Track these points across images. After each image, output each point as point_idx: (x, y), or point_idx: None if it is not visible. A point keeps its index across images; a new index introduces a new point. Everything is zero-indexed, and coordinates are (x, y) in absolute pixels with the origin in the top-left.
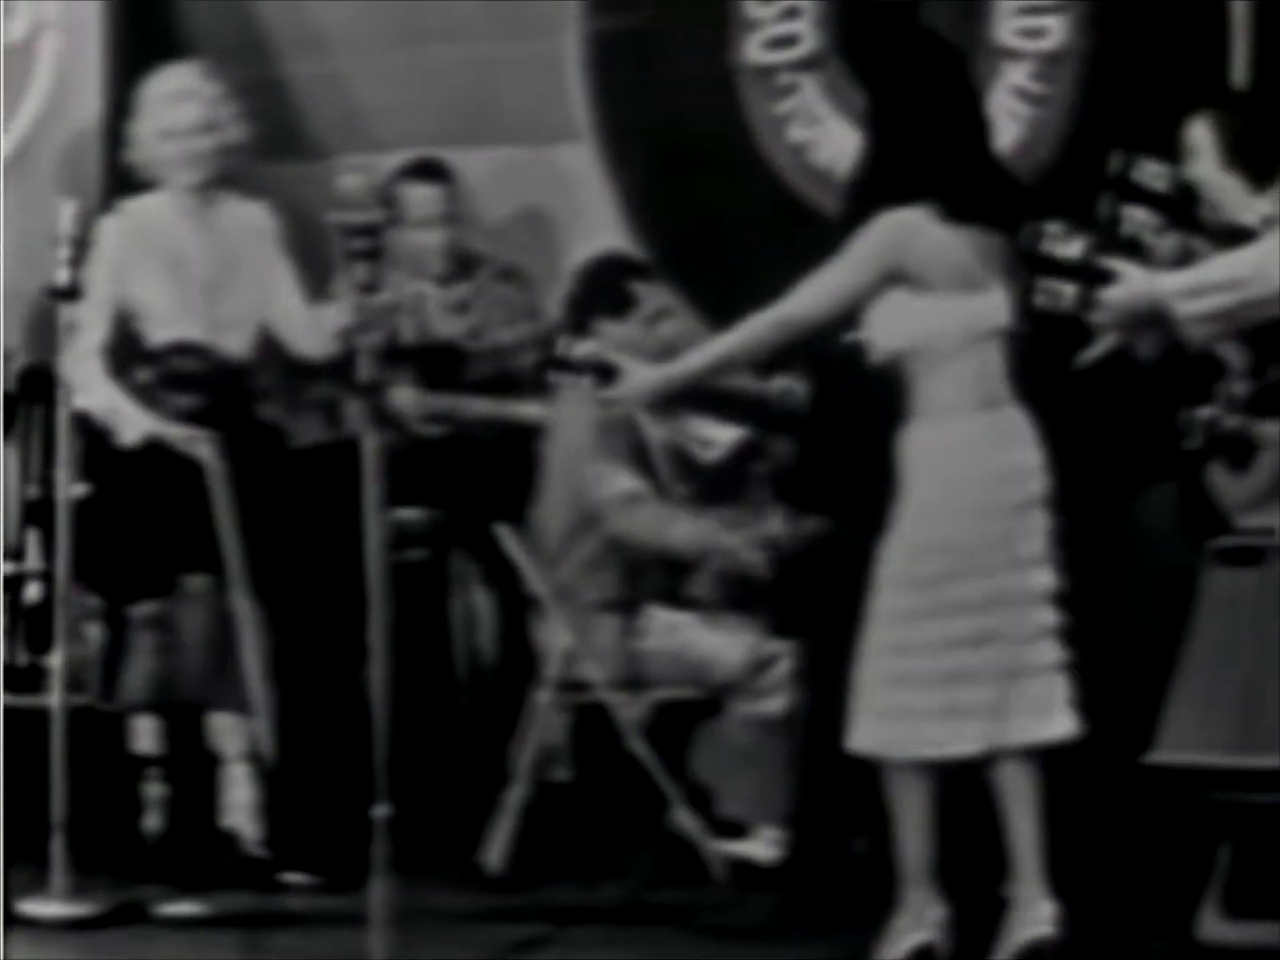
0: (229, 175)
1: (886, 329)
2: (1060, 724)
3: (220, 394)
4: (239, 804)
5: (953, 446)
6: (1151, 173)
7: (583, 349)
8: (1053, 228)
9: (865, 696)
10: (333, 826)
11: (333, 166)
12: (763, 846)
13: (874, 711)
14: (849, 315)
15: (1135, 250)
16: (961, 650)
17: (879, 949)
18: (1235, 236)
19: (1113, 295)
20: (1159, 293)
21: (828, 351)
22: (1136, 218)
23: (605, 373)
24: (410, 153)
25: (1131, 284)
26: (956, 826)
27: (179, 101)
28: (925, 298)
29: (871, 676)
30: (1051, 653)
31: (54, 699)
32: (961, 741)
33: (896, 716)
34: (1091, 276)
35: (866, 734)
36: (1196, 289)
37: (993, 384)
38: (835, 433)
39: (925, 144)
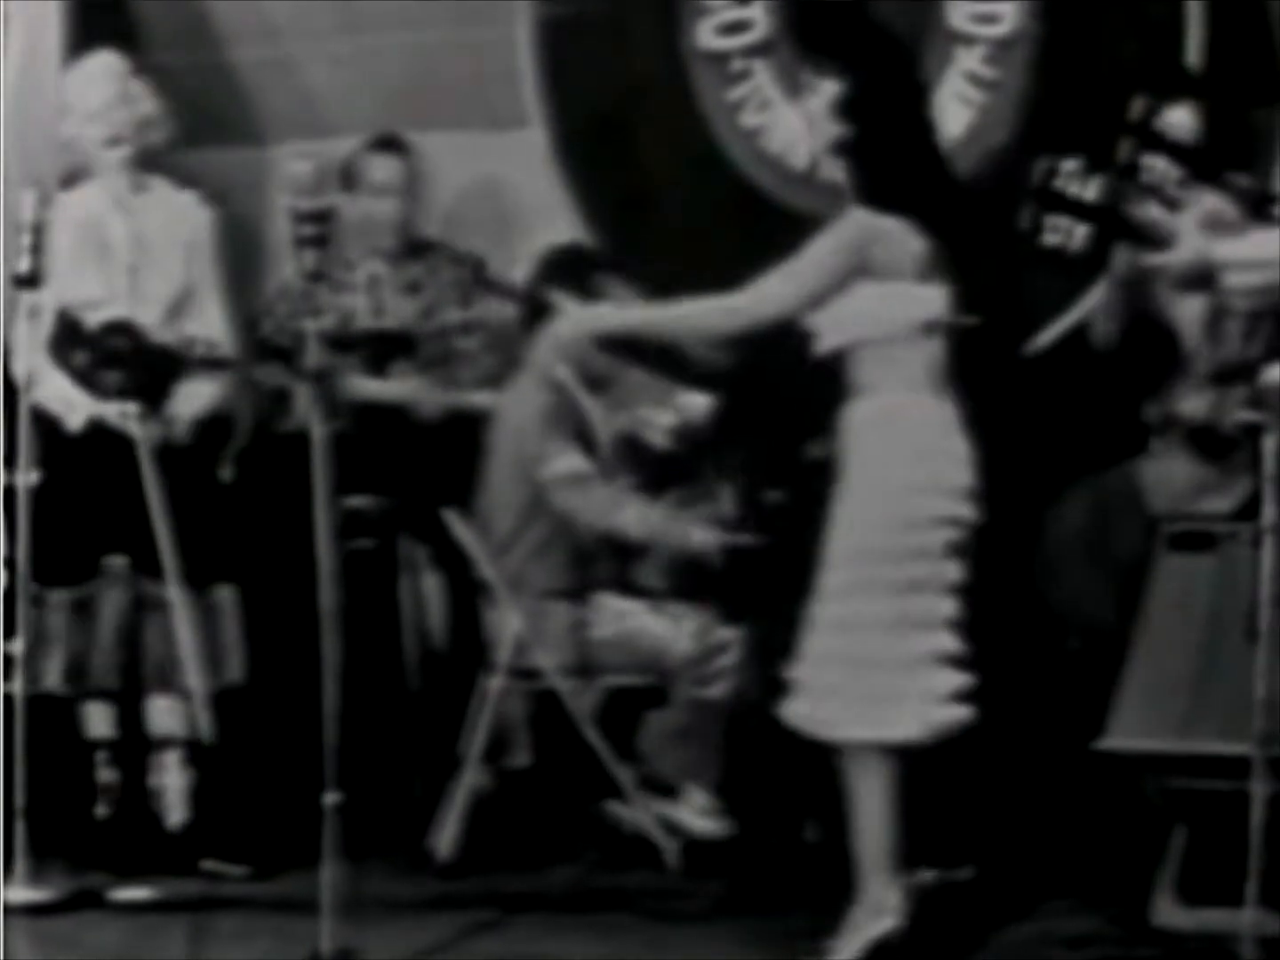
0: (151, 152)
1: (838, 322)
2: (921, 722)
3: (151, 370)
4: (169, 788)
5: (898, 424)
6: (1175, 121)
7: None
8: (1069, 165)
9: (807, 671)
10: (262, 814)
11: (283, 152)
12: (691, 813)
13: (815, 688)
14: (807, 312)
15: (1156, 199)
16: (884, 632)
17: (836, 943)
18: (1264, 200)
19: (1173, 258)
20: (1214, 258)
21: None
22: (1157, 167)
23: (538, 308)
24: (361, 138)
25: (1191, 247)
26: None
27: (92, 82)
28: (883, 285)
29: (815, 653)
30: (949, 644)
31: (15, 686)
32: (891, 726)
33: (836, 695)
34: (1109, 222)
35: (804, 710)
36: (1250, 261)
37: (937, 372)
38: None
39: (904, 166)
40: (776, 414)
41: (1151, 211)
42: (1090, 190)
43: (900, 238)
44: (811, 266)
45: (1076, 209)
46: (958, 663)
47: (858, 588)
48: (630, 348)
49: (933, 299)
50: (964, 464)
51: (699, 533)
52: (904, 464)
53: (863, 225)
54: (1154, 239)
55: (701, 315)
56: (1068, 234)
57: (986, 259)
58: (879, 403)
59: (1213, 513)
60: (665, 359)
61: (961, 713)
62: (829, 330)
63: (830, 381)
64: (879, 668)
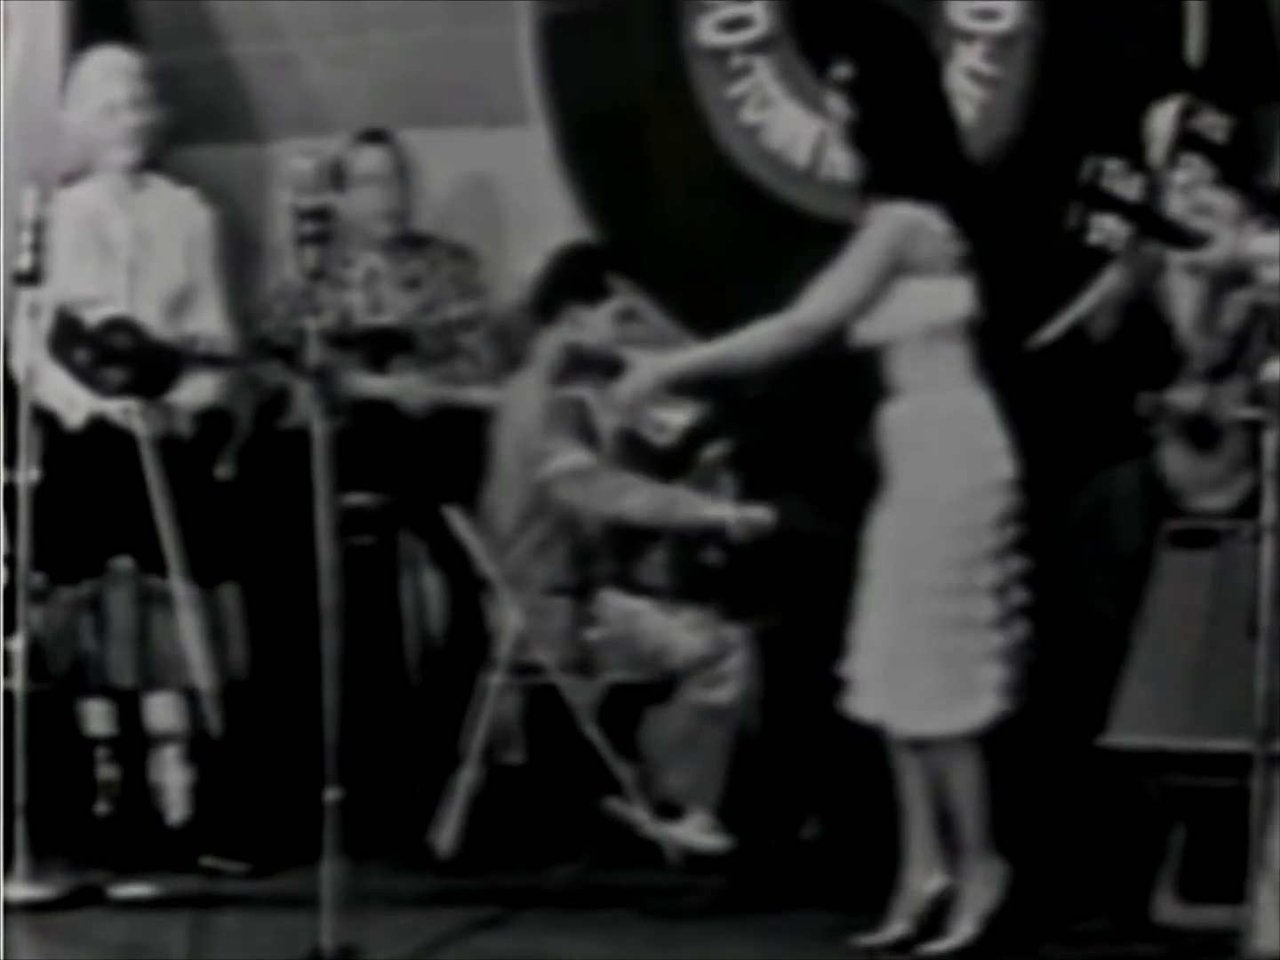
0: (155, 156)
1: (872, 319)
2: (971, 715)
3: (151, 367)
4: (169, 785)
5: (936, 423)
6: (1210, 123)
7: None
8: (1113, 165)
9: (863, 664)
10: (262, 811)
11: (284, 149)
12: (694, 831)
13: (872, 681)
14: (861, 315)
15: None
16: (945, 631)
17: (953, 924)
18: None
19: (1209, 256)
20: (1249, 254)
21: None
22: (1193, 167)
23: (612, 367)
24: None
25: (1226, 245)
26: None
27: (110, 78)
28: (921, 281)
29: (867, 644)
30: (988, 642)
31: (16, 683)
32: (939, 721)
33: (891, 690)
34: (1147, 219)
35: (867, 702)
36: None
37: (971, 365)
38: (801, 417)
39: (921, 147)
40: (817, 413)
41: (1183, 211)
42: (1131, 190)
43: (937, 231)
44: (860, 270)
45: (1122, 208)
46: (1017, 654)
47: (912, 590)
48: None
49: (967, 293)
50: (1005, 456)
51: (711, 506)
52: (949, 467)
53: (901, 220)
54: (1190, 239)
55: (763, 341)
56: (1111, 234)
57: (1002, 248)
58: (917, 402)
59: (1213, 510)
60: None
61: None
62: (865, 326)
63: (869, 380)
64: (948, 663)
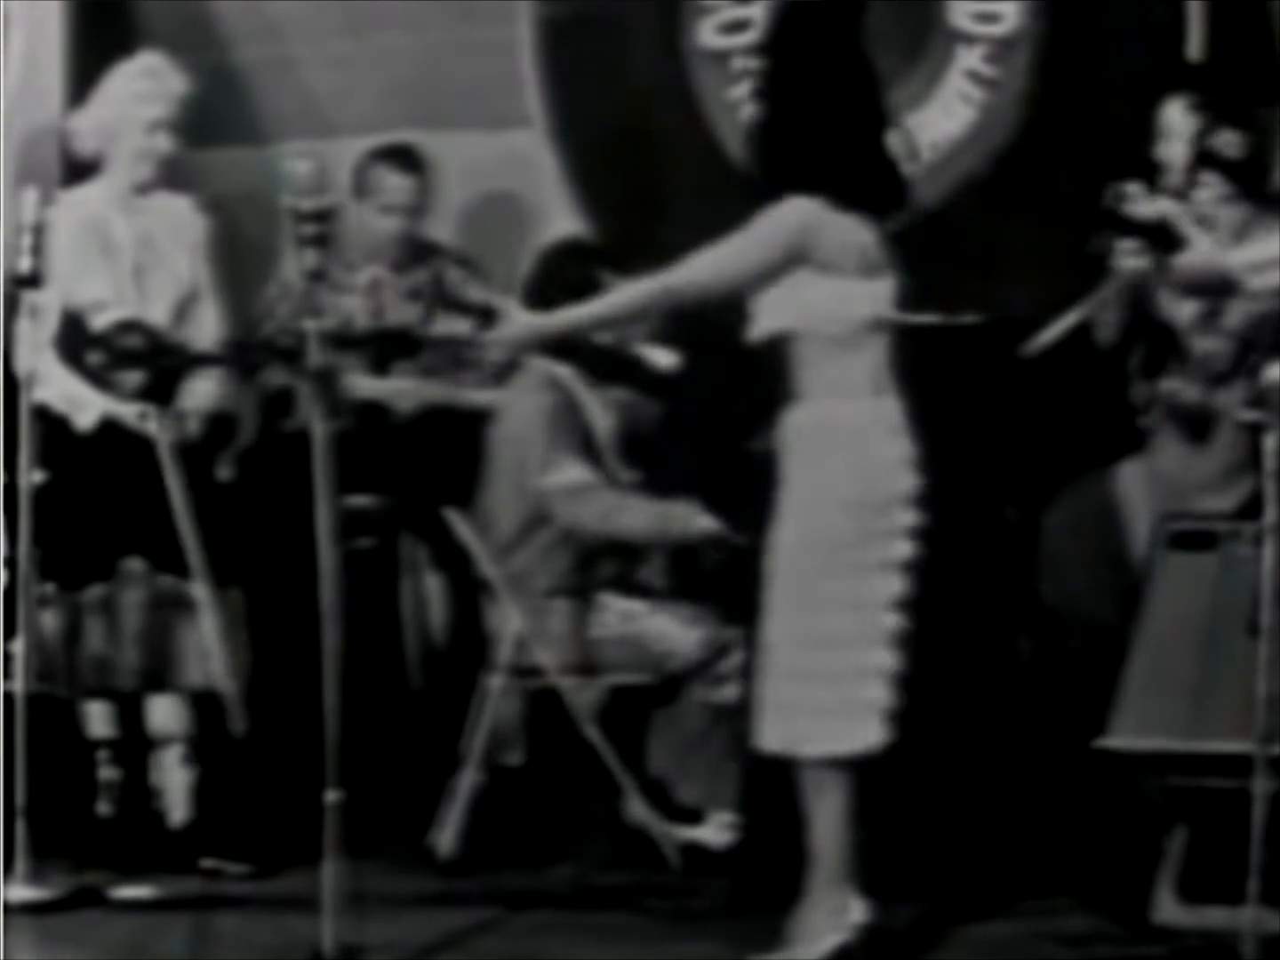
0: (163, 176)
1: (776, 307)
2: (867, 736)
3: (165, 368)
4: (170, 787)
5: (837, 432)
6: (1226, 141)
7: (475, 291)
8: (1133, 188)
9: (766, 692)
10: (263, 812)
11: (285, 152)
12: (715, 831)
13: (776, 707)
14: (738, 291)
15: (1204, 220)
16: (830, 648)
17: (792, 948)
18: None
19: (1182, 261)
20: (1229, 265)
21: (706, 324)
22: (1211, 184)
23: (487, 315)
24: (363, 138)
25: (1201, 252)
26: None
27: (161, 99)
28: (826, 279)
29: (770, 670)
30: (885, 660)
31: (16, 685)
32: (842, 740)
33: (795, 712)
34: (1166, 240)
35: (770, 731)
36: (1264, 264)
37: (880, 373)
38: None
39: (819, 135)
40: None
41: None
42: (1153, 209)
43: (845, 228)
44: (744, 245)
45: (1141, 230)
46: (905, 676)
47: (804, 603)
48: (576, 353)
49: (877, 295)
50: (907, 468)
51: (702, 520)
52: (842, 476)
53: (804, 211)
54: (1166, 242)
55: (636, 301)
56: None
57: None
58: (817, 409)
59: (1214, 511)
60: (612, 363)
61: (904, 727)
62: (766, 314)
63: (774, 382)
64: (828, 682)
